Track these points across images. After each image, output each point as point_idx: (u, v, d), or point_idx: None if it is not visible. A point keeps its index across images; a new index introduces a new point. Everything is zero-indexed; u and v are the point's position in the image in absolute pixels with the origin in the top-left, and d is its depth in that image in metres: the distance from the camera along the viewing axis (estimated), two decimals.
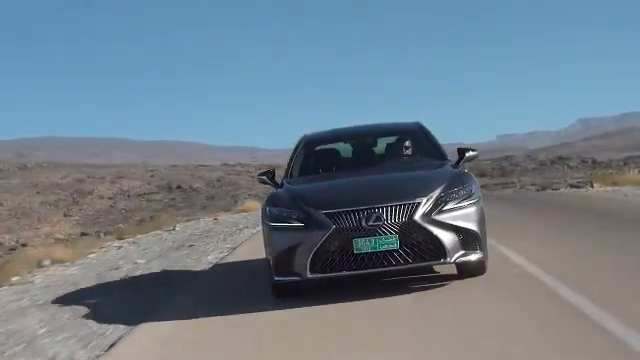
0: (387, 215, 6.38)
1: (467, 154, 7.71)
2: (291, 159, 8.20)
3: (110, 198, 64.24)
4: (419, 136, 8.28)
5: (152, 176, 72.59)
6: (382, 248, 6.35)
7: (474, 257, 6.63)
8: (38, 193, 66.38)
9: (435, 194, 6.55)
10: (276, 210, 6.85)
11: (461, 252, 6.51)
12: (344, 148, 8.53)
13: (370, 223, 6.36)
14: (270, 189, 7.98)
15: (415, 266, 6.52)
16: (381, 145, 8.46)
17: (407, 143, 8.22)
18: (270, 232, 6.85)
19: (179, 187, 65.57)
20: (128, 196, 64.92)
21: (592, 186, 27.06)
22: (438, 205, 6.50)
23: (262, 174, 7.93)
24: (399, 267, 6.45)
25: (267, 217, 6.93)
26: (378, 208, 6.40)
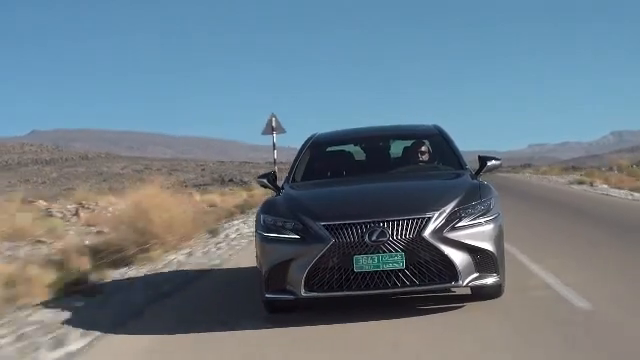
0: (393, 230, 5.65)
1: (489, 163, 6.96)
2: (295, 160, 7.42)
3: (169, 188, 69.09)
4: (437, 141, 7.50)
5: (203, 169, 79.38)
6: (386, 267, 5.62)
7: (489, 281, 5.87)
8: (104, 181, 72.92)
9: (448, 208, 5.81)
10: (270, 219, 6.12)
11: (475, 275, 5.76)
12: (355, 150, 7.78)
13: (373, 239, 5.63)
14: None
15: (422, 289, 5.79)
16: (396, 149, 7.69)
17: (424, 148, 7.44)
18: (262, 243, 6.11)
19: (231, 180, 70.92)
20: (185, 186, 69.75)
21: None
22: (451, 221, 5.76)
23: (262, 176, 7.19)
24: (404, 289, 5.72)
25: (260, 226, 6.20)
26: (383, 222, 5.67)
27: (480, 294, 6.16)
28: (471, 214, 5.86)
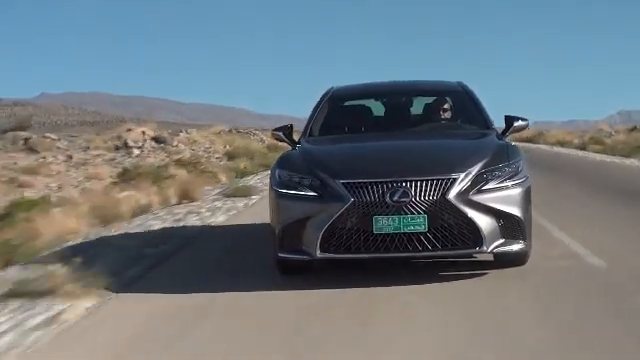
0: (416, 191, 5.34)
1: (515, 123, 6.63)
2: (312, 114, 7.01)
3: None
4: (462, 98, 7.10)
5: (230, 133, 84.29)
6: (407, 230, 5.32)
7: (515, 247, 5.57)
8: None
9: (475, 170, 5.49)
10: (286, 174, 5.79)
11: (500, 241, 5.47)
12: (375, 106, 7.42)
13: (395, 199, 5.32)
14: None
15: (444, 254, 5.51)
16: (418, 105, 7.32)
17: (446, 105, 7.06)
18: (277, 199, 5.77)
19: None
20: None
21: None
22: (477, 183, 5.45)
23: (277, 129, 6.80)
24: (425, 253, 5.45)
25: (275, 181, 5.86)
26: (406, 182, 5.36)
27: (503, 261, 5.86)
28: (498, 177, 5.56)
